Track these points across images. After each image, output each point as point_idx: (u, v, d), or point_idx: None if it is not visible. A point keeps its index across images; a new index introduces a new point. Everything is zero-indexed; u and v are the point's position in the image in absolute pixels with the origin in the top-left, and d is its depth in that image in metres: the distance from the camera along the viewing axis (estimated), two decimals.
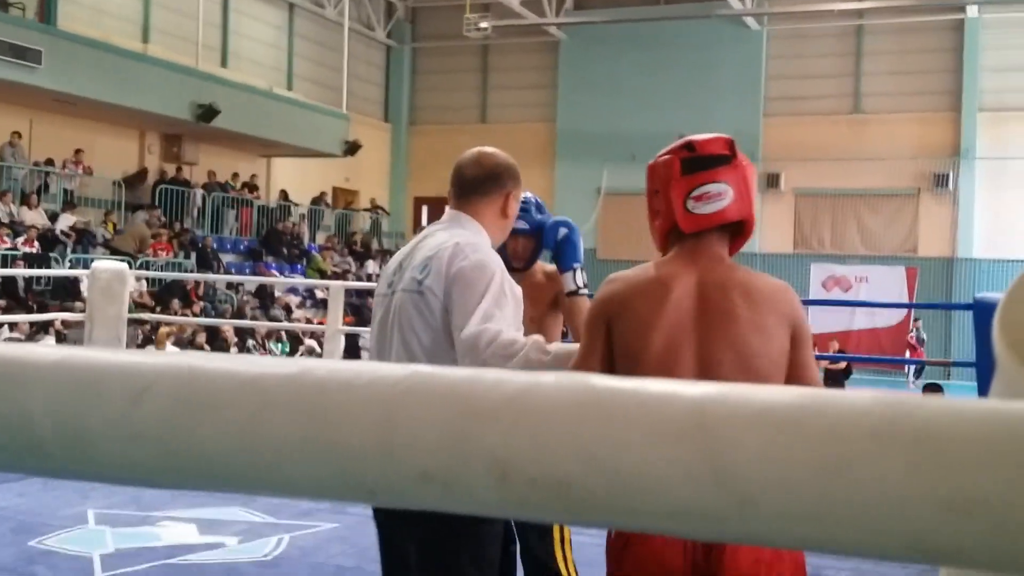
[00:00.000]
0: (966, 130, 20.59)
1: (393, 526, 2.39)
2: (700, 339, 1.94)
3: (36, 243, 13.51)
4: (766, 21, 21.65)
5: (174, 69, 16.11)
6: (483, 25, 20.70)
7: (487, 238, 2.43)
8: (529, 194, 3.23)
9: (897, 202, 21.19)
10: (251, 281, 16.20)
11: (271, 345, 14.24)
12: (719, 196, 2.00)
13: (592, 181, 22.24)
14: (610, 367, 2.02)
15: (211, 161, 18.45)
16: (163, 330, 10.96)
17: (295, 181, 20.85)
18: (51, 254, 13.54)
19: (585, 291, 3.11)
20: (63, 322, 10.95)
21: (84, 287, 10.52)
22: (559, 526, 3.29)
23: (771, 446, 0.50)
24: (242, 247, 18.19)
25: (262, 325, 13.70)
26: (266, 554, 4.67)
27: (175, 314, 13.06)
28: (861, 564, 4.50)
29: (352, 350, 14.44)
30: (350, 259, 20.10)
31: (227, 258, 17.39)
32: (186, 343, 12.42)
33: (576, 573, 3.35)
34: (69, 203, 15.17)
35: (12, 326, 11.19)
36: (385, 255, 20.39)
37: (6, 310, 11.69)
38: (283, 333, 14.70)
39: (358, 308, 16.67)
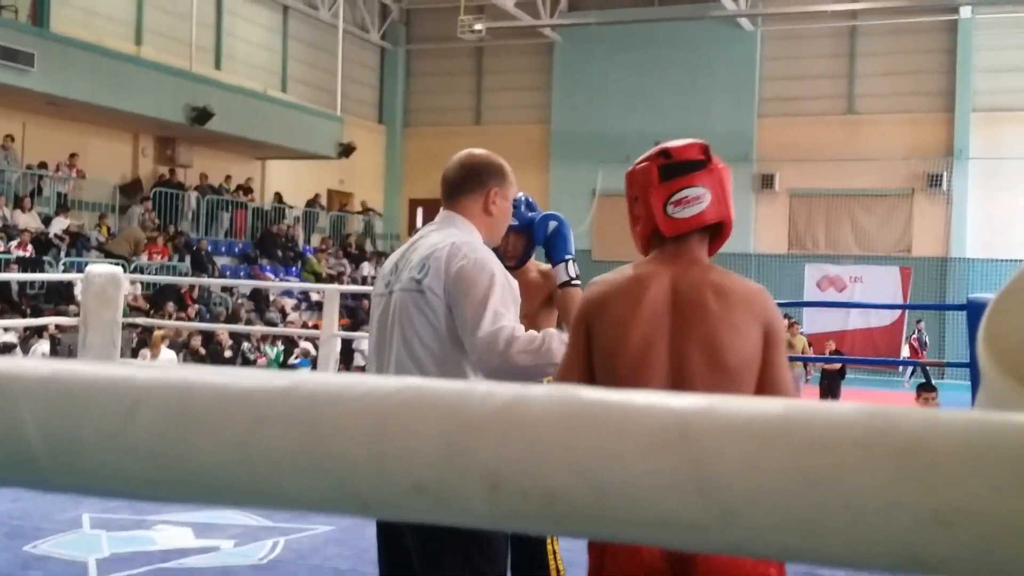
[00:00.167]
0: (959, 130, 20.65)
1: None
2: (673, 335, 2.02)
3: (30, 247, 13.49)
4: (760, 22, 21.69)
5: (168, 71, 16.10)
6: (477, 27, 20.71)
7: (479, 236, 2.47)
8: (520, 193, 3.26)
9: (891, 202, 21.24)
10: (246, 284, 16.19)
11: (266, 348, 14.22)
12: (697, 200, 2.08)
13: (587, 183, 22.26)
14: (591, 365, 2.10)
15: (205, 164, 18.44)
16: (157, 334, 10.95)
17: (289, 183, 20.84)
18: (45, 258, 13.52)
19: (578, 282, 3.14)
20: (57, 326, 10.94)
21: (78, 291, 10.51)
22: None
23: (755, 457, 0.51)
24: (237, 250, 18.17)
25: (257, 329, 13.69)
26: (262, 557, 4.67)
27: (170, 317, 13.05)
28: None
29: (347, 353, 14.44)
30: (345, 261, 20.10)
31: (222, 261, 17.38)
32: (181, 347, 12.41)
33: (562, 567, 3.37)
34: (63, 206, 15.15)
35: (5, 330, 11.17)
36: (380, 257, 20.39)
37: (0, 314, 11.66)
38: (278, 339, 14.68)
39: (353, 311, 16.67)
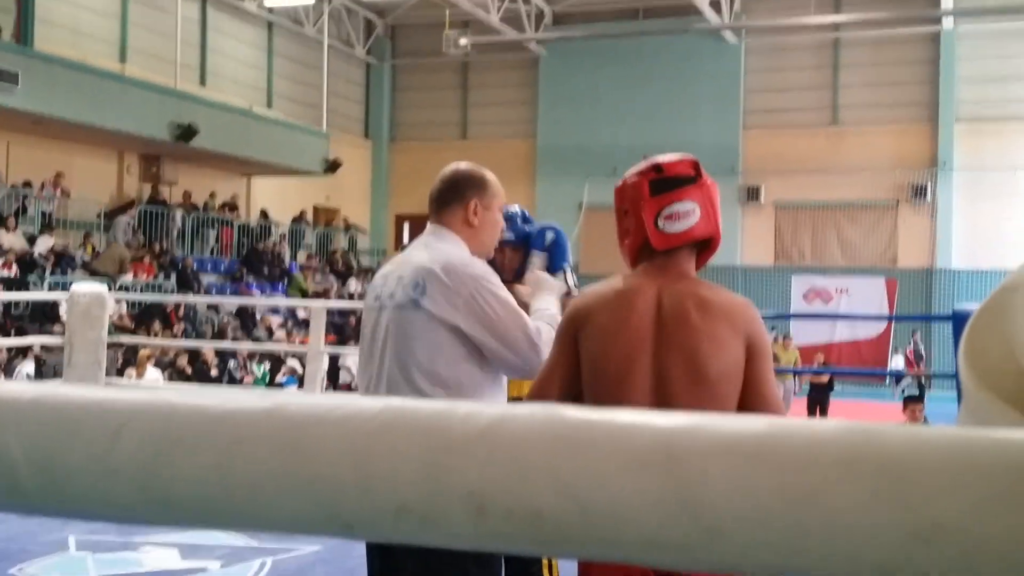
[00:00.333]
0: (943, 141, 20.78)
1: None
2: (656, 348, 2.05)
3: (14, 266, 13.42)
4: (744, 35, 21.81)
5: (152, 89, 16.08)
6: (462, 42, 20.76)
7: (467, 248, 2.51)
8: (515, 206, 3.29)
9: (876, 213, 21.34)
10: (232, 302, 16.13)
11: (253, 366, 14.16)
12: (687, 215, 2.11)
13: (573, 196, 22.30)
14: (577, 376, 2.14)
15: (191, 181, 18.40)
16: (143, 353, 10.90)
17: (275, 200, 20.81)
18: (29, 277, 13.46)
19: (576, 291, 3.15)
20: (42, 346, 10.88)
21: (63, 310, 10.46)
22: None
23: (739, 476, 0.51)
24: (223, 267, 18.12)
25: (243, 347, 13.64)
26: None
27: (156, 336, 12.99)
28: None
29: (334, 370, 14.40)
30: (332, 278, 20.06)
31: (208, 278, 17.32)
32: (167, 366, 12.35)
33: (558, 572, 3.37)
34: (47, 226, 15.08)
35: None
36: (366, 274, 20.36)
37: None
38: (264, 357, 14.62)
39: (340, 327, 16.64)
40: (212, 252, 18.32)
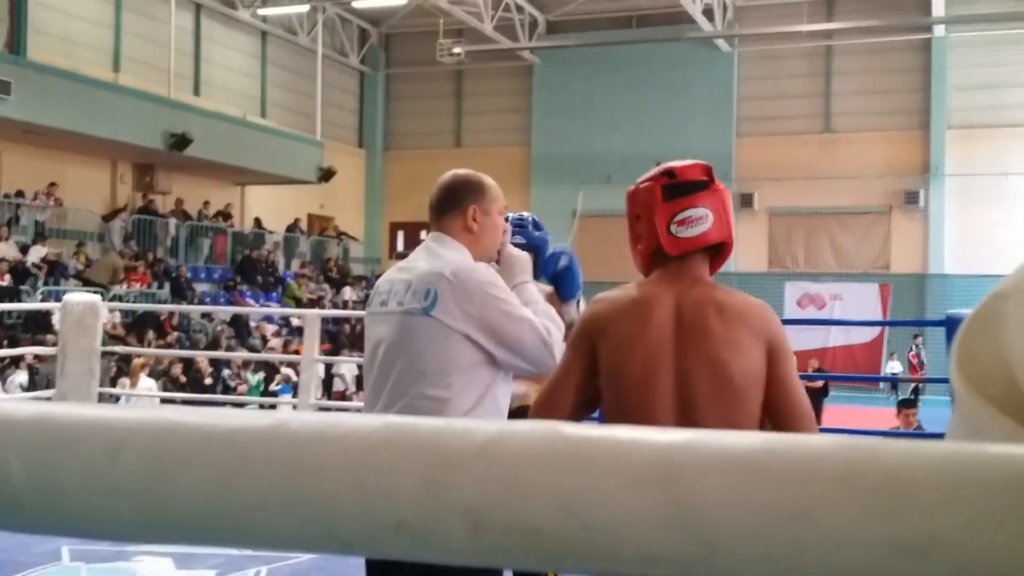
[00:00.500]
0: (935, 147, 20.87)
1: None
2: (677, 355, 2.03)
3: (7, 276, 13.39)
4: (737, 43, 21.88)
5: (146, 98, 16.07)
6: (456, 50, 20.80)
7: (469, 254, 2.51)
8: (526, 213, 3.30)
9: (869, 219, 21.40)
10: (226, 311, 16.10)
11: (247, 375, 14.14)
12: (701, 220, 2.11)
13: (568, 203, 22.34)
14: (590, 383, 2.11)
15: (184, 190, 18.39)
16: (137, 362, 10.87)
17: (269, 208, 20.81)
18: (22, 287, 13.43)
19: None
20: (35, 356, 10.85)
21: (56, 320, 10.44)
22: None
23: (736, 491, 0.51)
24: (216, 276, 18.10)
25: (237, 356, 13.62)
26: None
27: (149, 345, 12.96)
28: None
29: (328, 379, 14.38)
30: (326, 286, 20.05)
31: (201, 287, 17.30)
32: (161, 375, 12.32)
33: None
34: (40, 235, 15.06)
35: None
36: (359, 282, 20.34)
37: None
38: (259, 366, 14.60)
39: (334, 335, 16.62)
40: (206, 261, 18.31)
